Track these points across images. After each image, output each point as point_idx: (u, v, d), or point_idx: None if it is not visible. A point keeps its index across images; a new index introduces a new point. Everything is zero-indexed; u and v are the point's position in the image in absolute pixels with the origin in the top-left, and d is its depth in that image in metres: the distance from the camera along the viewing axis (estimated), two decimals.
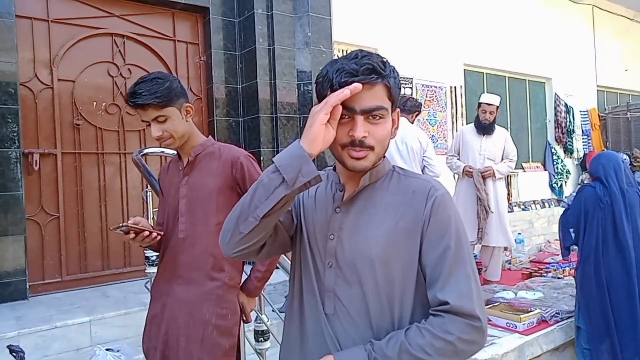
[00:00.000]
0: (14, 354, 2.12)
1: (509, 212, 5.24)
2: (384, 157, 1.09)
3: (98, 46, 3.71)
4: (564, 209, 3.68)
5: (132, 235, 1.63)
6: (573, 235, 3.19)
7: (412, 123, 3.89)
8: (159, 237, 1.71)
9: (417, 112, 3.96)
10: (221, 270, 1.76)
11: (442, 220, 1.01)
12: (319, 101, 0.98)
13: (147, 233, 1.64)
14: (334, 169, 1.17)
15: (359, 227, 1.05)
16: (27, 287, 3.18)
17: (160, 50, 3.96)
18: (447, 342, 0.95)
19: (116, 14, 3.79)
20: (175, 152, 1.87)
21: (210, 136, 1.86)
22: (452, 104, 6.00)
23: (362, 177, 1.06)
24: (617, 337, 3.03)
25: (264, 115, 3.99)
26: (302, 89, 4.12)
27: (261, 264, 1.85)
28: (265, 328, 2.37)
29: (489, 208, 4.22)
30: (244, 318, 1.89)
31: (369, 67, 0.96)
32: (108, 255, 3.65)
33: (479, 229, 4.26)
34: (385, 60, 1.02)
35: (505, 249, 5.25)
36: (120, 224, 1.59)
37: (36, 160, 3.34)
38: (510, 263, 5.25)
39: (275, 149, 4.00)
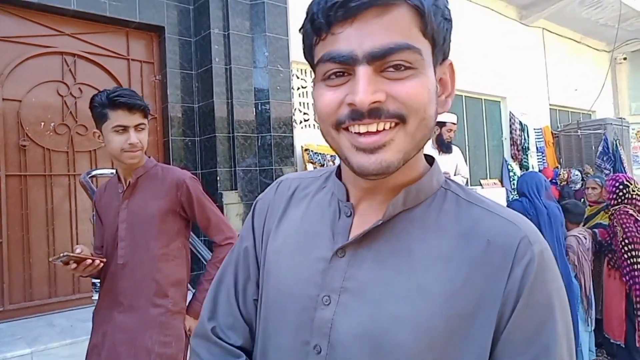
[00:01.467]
0: None
1: None
2: (433, 161, 0.67)
3: (47, 65, 3.60)
4: None
5: (73, 265, 1.55)
6: None
7: None
8: (102, 264, 1.64)
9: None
10: (165, 296, 1.70)
11: (540, 303, 0.56)
12: (310, 65, 0.63)
13: (89, 262, 1.57)
14: (338, 173, 0.70)
15: (377, 289, 0.58)
16: None
17: (113, 69, 3.88)
18: None
19: (67, 32, 3.69)
20: (115, 173, 1.81)
21: (151, 157, 1.81)
22: None
23: (387, 194, 0.62)
24: None
25: (221, 135, 3.94)
26: (259, 108, 4.11)
27: (208, 282, 1.77)
28: None
29: None
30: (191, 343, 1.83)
31: None
32: (55, 282, 3.47)
33: None
34: None
35: None
36: (61, 254, 1.51)
37: None
38: None
39: (233, 169, 3.96)
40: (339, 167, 0.70)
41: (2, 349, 2.62)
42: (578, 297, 3.48)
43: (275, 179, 4.08)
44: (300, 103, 5.00)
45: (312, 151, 4.71)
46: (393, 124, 0.55)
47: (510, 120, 7.56)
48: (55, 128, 3.59)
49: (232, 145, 3.99)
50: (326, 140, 0.61)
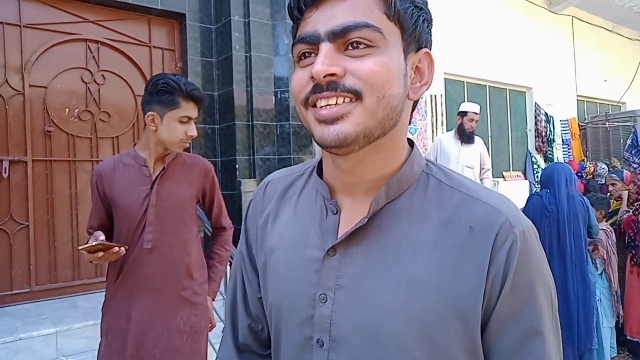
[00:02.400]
0: None
1: None
2: (413, 145, 0.67)
3: (71, 52, 3.66)
4: None
5: (100, 253, 1.56)
6: None
7: None
8: (124, 251, 1.66)
9: None
10: (191, 277, 1.77)
11: (524, 283, 0.58)
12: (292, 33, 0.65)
13: (116, 249, 1.58)
14: (318, 168, 0.71)
15: (370, 284, 0.61)
16: None
17: (135, 57, 3.92)
18: None
19: (90, 19, 3.74)
20: (130, 154, 1.80)
21: None
22: (432, 112, 6.03)
23: (368, 188, 0.64)
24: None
25: (240, 123, 3.96)
26: (279, 97, 4.10)
27: (221, 264, 1.90)
28: None
29: None
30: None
31: None
32: (79, 266, 3.57)
33: None
34: None
35: None
36: (92, 242, 1.53)
37: (5, 168, 3.27)
38: None
39: (252, 157, 3.98)
40: (320, 162, 0.71)
41: (28, 327, 2.71)
42: (604, 291, 3.41)
43: None
44: None
45: None
46: (351, 99, 0.57)
47: (535, 111, 7.39)
48: (79, 114, 3.65)
49: (251, 133, 4.00)
50: (300, 119, 0.64)
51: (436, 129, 6.07)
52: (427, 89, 0.65)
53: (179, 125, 1.66)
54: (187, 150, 3.85)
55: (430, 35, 0.66)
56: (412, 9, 0.60)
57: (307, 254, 0.66)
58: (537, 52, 7.30)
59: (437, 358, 0.58)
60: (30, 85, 3.46)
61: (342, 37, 0.57)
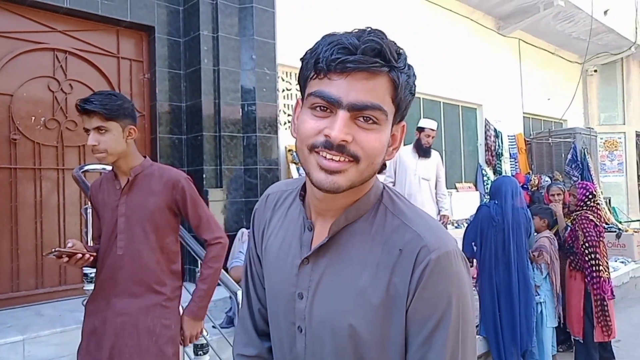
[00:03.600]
0: None
1: None
2: (374, 184, 0.82)
3: (39, 61, 3.67)
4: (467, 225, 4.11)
5: (65, 259, 1.69)
6: (475, 248, 3.61)
7: None
8: (92, 258, 1.78)
9: None
10: (163, 284, 1.85)
11: (433, 295, 0.73)
12: (299, 86, 0.79)
13: (79, 256, 1.71)
14: (302, 190, 0.88)
15: (331, 288, 0.80)
16: None
17: (103, 67, 3.97)
18: None
19: (59, 29, 3.77)
20: (111, 170, 1.94)
21: (147, 157, 1.95)
22: None
23: (334, 214, 0.80)
24: (502, 342, 3.45)
25: (208, 134, 4.07)
26: (246, 109, 4.25)
27: (202, 282, 1.92)
28: (204, 342, 2.44)
29: None
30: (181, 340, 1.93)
31: (374, 48, 0.70)
32: (42, 274, 3.56)
33: None
34: (401, 49, 0.75)
35: None
36: (53, 250, 1.66)
37: None
38: None
39: (218, 167, 4.09)
40: (303, 186, 0.87)
41: None
42: (548, 294, 3.74)
43: (259, 177, 4.23)
44: (284, 105, 5.15)
45: (295, 152, 4.87)
46: (349, 160, 0.73)
47: (485, 126, 7.87)
48: (46, 123, 3.66)
49: (218, 144, 4.12)
50: (297, 155, 0.81)
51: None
52: (394, 154, 0.81)
53: (88, 137, 1.78)
54: (154, 160, 3.93)
55: (407, 112, 0.81)
56: (408, 96, 0.76)
57: (289, 260, 0.85)
58: (487, 71, 7.80)
59: (387, 351, 0.77)
60: None
61: (358, 111, 0.71)
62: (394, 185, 4.74)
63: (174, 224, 1.93)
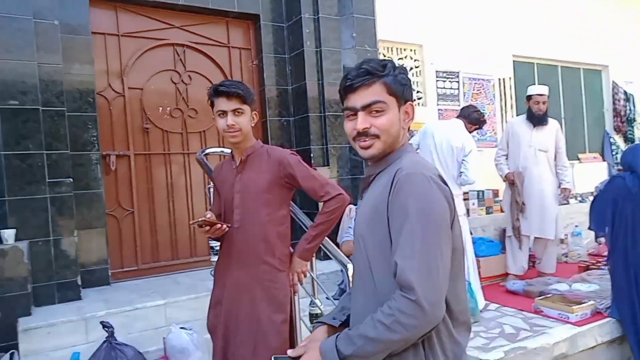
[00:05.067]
0: (106, 329, 2.47)
1: (564, 204, 5.22)
2: (402, 145, 1.21)
3: (162, 56, 4.07)
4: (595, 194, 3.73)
5: (206, 227, 1.92)
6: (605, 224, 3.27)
7: (470, 132, 3.85)
8: (227, 228, 1.98)
9: (477, 126, 3.94)
10: (272, 255, 2.01)
11: (400, 199, 1.07)
12: (340, 99, 1.22)
13: (218, 225, 1.93)
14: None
15: (362, 210, 1.22)
16: (109, 274, 3.60)
17: (216, 57, 4.27)
18: (388, 315, 1.01)
19: (176, 25, 4.13)
20: (230, 152, 2.14)
21: (259, 139, 2.13)
22: (500, 96, 5.98)
23: (370, 167, 1.23)
24: None
25: (313, 114, 4.21)
26: None
27: (312, 228, 2.08)
28: (319, 311, 2.59)
29: (523, 205, 4.29)
30: (295, 283, 2.10)
31: (364, 71, 1.15)
32: (177, 247, 4.01)
33: (512, 226, 4.36)
34: (387, 63, 1.17)
35: (562, 241, 5.22)
36: (198, 219, 1.90)
37: (113, 161, 3.74)
38: (567, 256, 5.20)
39: (325, 146, 4.22)
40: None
41: (142, 299, 3.14)
42: None
43: None
44: None
45: None
46: (373, 138, 1.17)
47: (613, 90, 7.07)
48: (171, 112, 4.07)
49: (323, 124, 4.25)
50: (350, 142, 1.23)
51: (505, 112, 6.02)
52: (411, 123, 1.22)
53: (219, 120, 1.97)
54: (265, 142, 4.17)
55: (412, 94, 1.23)
56: (400, 87, 1.17)
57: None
58: (613, 27, 6.95)
59: (381, 244, 1.11)
60: (129, 88, 3.91)
61: (368, 107, 1.16)
62: (506, 159, 4.51)
63: (285, 200, 2.07)
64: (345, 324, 1.24)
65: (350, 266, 2.23)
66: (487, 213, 5.05)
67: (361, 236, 1.19)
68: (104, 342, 2.44)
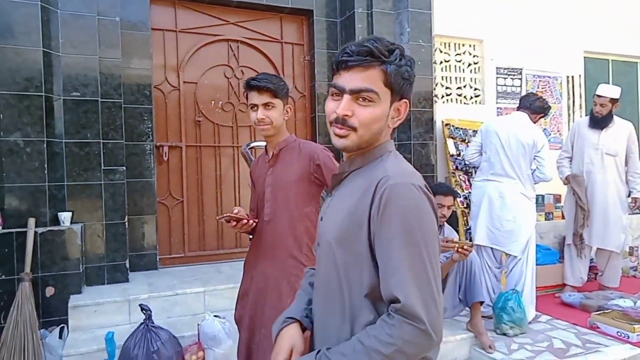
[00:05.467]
0: (144, 312, 2.58)
1: (636, 213, 4.81)
2: (382, 144, 1.09)
3: (216, 51, 4.18)
4: None
5: (233, 223, 1.95)
6: None
7: (535, 123, 3.65)
8: (255, 224, 2.00)
9: (542, 114, 3.70)
10: (300, 250, 1.99)
11: (388, 213, 0.96)
12: (332, 72, 1.09)
13: (244, 221, 1.95)
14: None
15: (333, 209, 1.10)
16: (158, 259, 3.76)
17: (269, 52, 4.33)
18: (388, 344, 0.92)
19: (232, 21, 4.22)
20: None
21: (292, 134, 2.12)
22: (568, 95, 5.59)
23: (346, 162, 1.12)
24: None
25: None
26: None
27: None
28: None
29: (587, 211, 4.01)
30: None
31: (366, 50, 1.00)
32: (222, 237, 4.12)
33: (574, 233, 4.09)
34: (395, 48, 1.02)
35: (631, 254, 4.82)
36: (225, 215, 1.93)
37: (165, 152, 3.91)
38: (636, 270, 4.79)
39: None
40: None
41: (183, 285, 3.26)
42: None
43: (413, 153, 4.17)
44: (442, 77, 4.95)
45: (453, 126, 4.66)
46: (349, 129, 1.03)
47: None
48: (223, 106, 4.18)
49: None
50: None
51: (573, 112, 5.62)
52: (400, 123, 1.10)
53: (251, 113, 1.98)
54: (314, 137, 4.16)
55: (411, 90, 1.08)
56: (400, 81, 1.03)
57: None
58: None
59: (357, 255, 1.01)
60: (184, 82, 4.06)
61: (357, 93, 1.01)
62: (570, 161, 4.21)
63: (315, 196, 2.05)
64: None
65: None
66: (547, 219, 4.75)
67: (332, 242, 1.05)
68: (142, 324, 2.55)
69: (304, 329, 1.17)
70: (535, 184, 3.56)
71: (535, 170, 3.52)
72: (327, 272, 1.07)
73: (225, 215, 1.93)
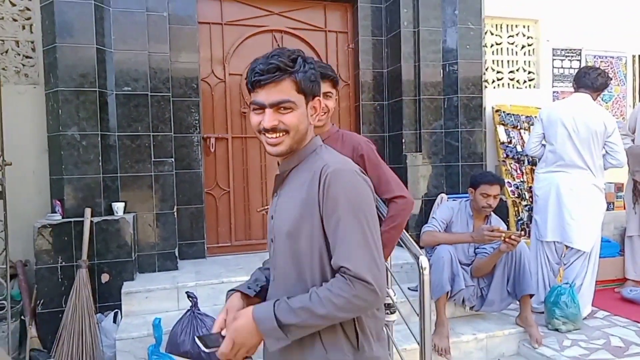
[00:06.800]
0: (190, 299, 2.67)
1: None
2: (310, 141, 1.23)
3: (261, 42, 4.20)
4: None
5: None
6: None
7: (595, 100, 3.43)
8: None
9: (603, 91, 3.49)
10: None
11: (332, 196, 1.10)
12: (249, 93, 1.20)
13: None
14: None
15: (282, 206, 1.23)
16: (205, 248, 3.88)
17: (313, 42, 4.31)
18: (340, 296, 1.07)
19: (275, 12, 4.23)
20: None
21: (334, 124, 2.11)
22: (634, 76, 5.19)
23: (284, 162, 1.24)
24: None
25: (407, 98, 4.06)
26: (447, 69, 4.07)
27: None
28: (390, 302, 2.53)
29: None
30: None
31: (274, 66, 1.12)
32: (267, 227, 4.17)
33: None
34: (297, 56, 1.16)
35: None
36: (266, 207, 1.97)
37: (212, 144, 4.00)
38: None
39: (418, 131, 4.06)
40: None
41: (229, 274, 3.34)
42: None
43: (461, 141, 4.04)
44: (493, 61, 4.74)
45: (504, 112, 4.46)
46: (282, 134, 1.17)
47: None
48: None
49: (417, 107, 4.08)
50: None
51: (639, 95, 5.23)
52: (319, 117, 1.25)
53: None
54: (358, 126, 4.11)
55: (320, 88, 1.25)
56: (309, 84, 1.18)
57: (273, 197, 1.33)
58: None
59: (311, 239, 1.14)
60: (229, 74, 4.12)
61: (276, 105, 1.15)
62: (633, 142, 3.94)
63: None
64: (259, 296, 1.30)
65: (421, 257, 2.14)
66: (607, 209, 4.45)
67: (287, 235, 1.17)
68: (188, 310, 2.64)
69: (249, 301, 1.27)
70: (605, 169, 3.35)
71: (605, 155, 3.31)
72: (285, 266, 1.19)
73: (266, 207, 1.97)
